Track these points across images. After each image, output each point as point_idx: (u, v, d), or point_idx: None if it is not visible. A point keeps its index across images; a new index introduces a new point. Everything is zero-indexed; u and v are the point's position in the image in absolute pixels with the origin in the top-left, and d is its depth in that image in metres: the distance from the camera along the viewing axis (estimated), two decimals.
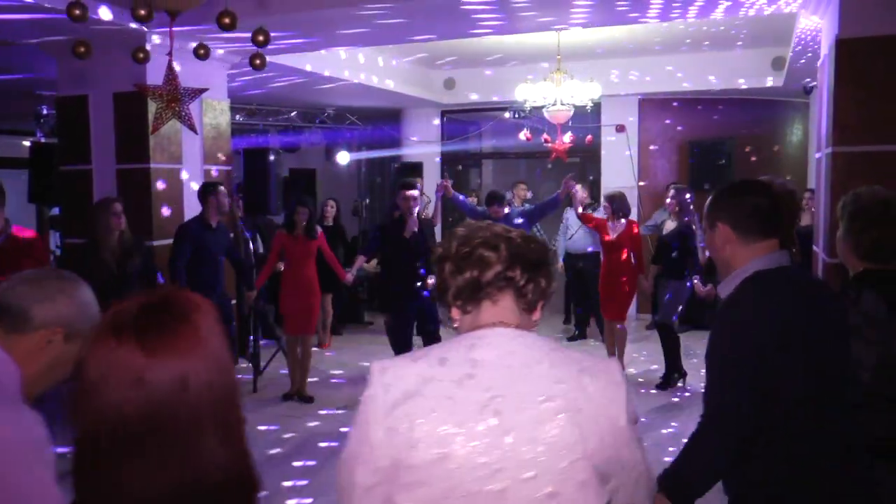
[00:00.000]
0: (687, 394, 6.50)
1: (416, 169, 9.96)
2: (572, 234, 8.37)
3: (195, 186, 6.11)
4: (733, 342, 1.97)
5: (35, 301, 1.58)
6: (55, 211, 8.79)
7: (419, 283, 6.03)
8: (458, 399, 1.32)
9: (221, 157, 6.69)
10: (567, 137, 7.68)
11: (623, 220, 6.78)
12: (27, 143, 9.32)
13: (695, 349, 7.40)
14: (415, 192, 6.10)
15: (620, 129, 9.86)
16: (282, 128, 10.77)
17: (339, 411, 6.04)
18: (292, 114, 10.44)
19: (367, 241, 6.98)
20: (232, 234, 6.88)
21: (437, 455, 1.29)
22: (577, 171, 10.56)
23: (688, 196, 6.76)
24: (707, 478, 1.98)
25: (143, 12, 3.07)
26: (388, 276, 6.11)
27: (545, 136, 7.82)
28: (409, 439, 1.30)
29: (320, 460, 5.04)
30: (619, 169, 9.81)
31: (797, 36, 6.44)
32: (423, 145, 10.83)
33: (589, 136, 8.38)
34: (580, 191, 8.53)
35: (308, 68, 7.50)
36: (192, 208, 6.03)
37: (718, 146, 8.93)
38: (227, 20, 3.31)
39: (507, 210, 6.92)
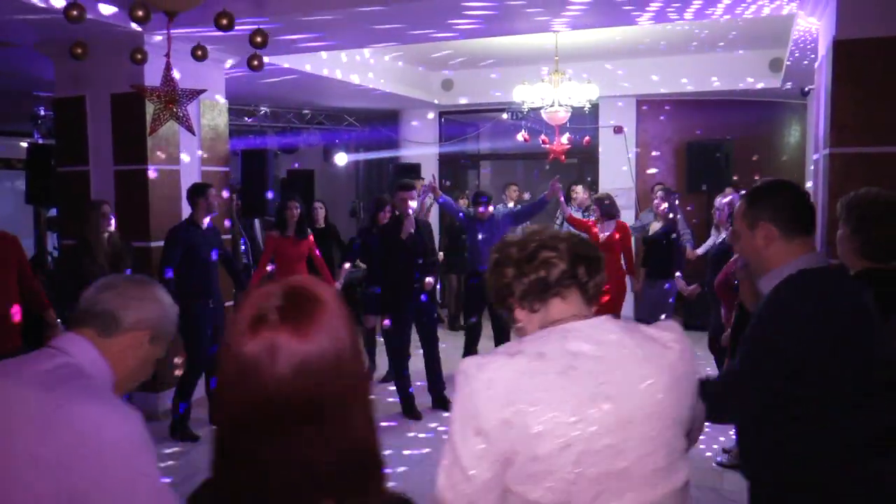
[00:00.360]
0: None
1: (413, 170, 9.95)
2: None
3: None
4: (774, 331, 2.02)
5: (123, 306, 1.65)
6: (52, 212, 8.79)
7: (416, 285, 6.02)
8: (568, 389, 1.37)
9: (219, 158, 6.68)
10: (565, 139, 7.68)
11: (612, 222, 6.79)
12: (24, 145, 9.31)
13: None
14: (412, 194, 6.10)
15: (618, 130, 9.86)
16: (280, 129, 10.77)
17: None
18: (290, 115, 10.44)
19: (350, 248, 6.90)
20: (231, 236, 6.88)
21: (561, 444, 1.34)
22: (576, 172, 10.58)
23: (674, 196, 6.84)
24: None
25: (140, 13, 3.07)
26: (384, 278, 6.08)
27: (543, 137, 7.82)
28: (527, 432, 1.33)
29: None
30: (617, 170, 9.82)
31: (795, 37, 6.45)
32: (420, 146, 10.83)
33: (587, 138, 8.38)
34: (581, 192, 8.52)
35: (306, 69, 7.50)
36: (189, 210, 6.01)
37: (716, 147, 8.94)
38: (224, 21, 3.31)
39: (492, 209, 6.94)
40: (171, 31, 3.62)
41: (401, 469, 4.72)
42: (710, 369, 5.64)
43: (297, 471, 1.02)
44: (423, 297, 6.06)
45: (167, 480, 3.40)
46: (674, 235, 6.83)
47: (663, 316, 6.59)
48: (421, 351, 6.12)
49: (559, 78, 7.26)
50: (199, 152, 6.41)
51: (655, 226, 6.84)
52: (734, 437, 2.29)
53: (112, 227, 5.18)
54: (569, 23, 5.75)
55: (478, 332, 6.81)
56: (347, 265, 6.78)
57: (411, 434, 5.58)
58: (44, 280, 6.81)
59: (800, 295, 2.03)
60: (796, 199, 2.13)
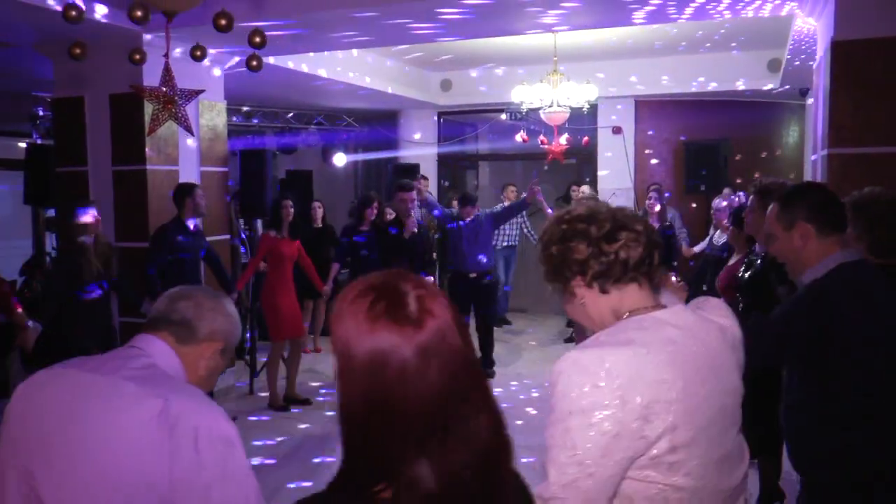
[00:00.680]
0: None
1: (412, 170, 9.96)
2: None
3: None
4: (808, 314, 2.17)
5: (199, 316, 1.68)
6: (51, 212, 8.77)
7: None
8: (685, 379, 1.36)
9: (218, 158, 6.68)
10: (563, 139, 7.68)
11: None
12: (23, 145, 9.29)
13: None
14: (412, 195, 6.11)
15: (617, 130, 9.87)
16: (278, 129, 10.76)
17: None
18: (289, 115, 10.43)
19: (339, 248, 6.86)
20: (229, 236, 6.88)
21: (694, 431, 1.35)
22: (574, 172, 10.58)
23: (665, 195, 6.90)
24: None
25: (139, 13, 3.06)
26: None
27: (542, 137, 7.82)
28: (661, 423, 1.31)
29: (321, 461, 5.05)
30: (616, 171, 9.82)
31: (793, 38, 6.46)
32: (419, 147, 10.83)
33: (585, 138, 8.40)
34: (587, 192, 8.56)
35: (304, 69, 7.50)
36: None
37: (714, 148, 8.94)
38: (223, 21, 3.31)
39: (476, 212, 6.96)
40: (170, 31, 3.62)
41: None
42: None
43: (448, 468, 1.00)
44: None
45: None
46: (668, 232, 6.80)
47: None
48: None
49: (558, 78, 7.26)
50: (198, 152, 6.40)
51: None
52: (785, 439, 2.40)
53: (100, 229, 5.17)
54: (563, 17, 5.64)
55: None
56: (337, 266, 6.76)
57: None
58: (42, 280, 6.81)
59: (842, 283, 2.16)
60: (828, 198, 2.26)
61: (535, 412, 5.93)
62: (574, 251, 1.47)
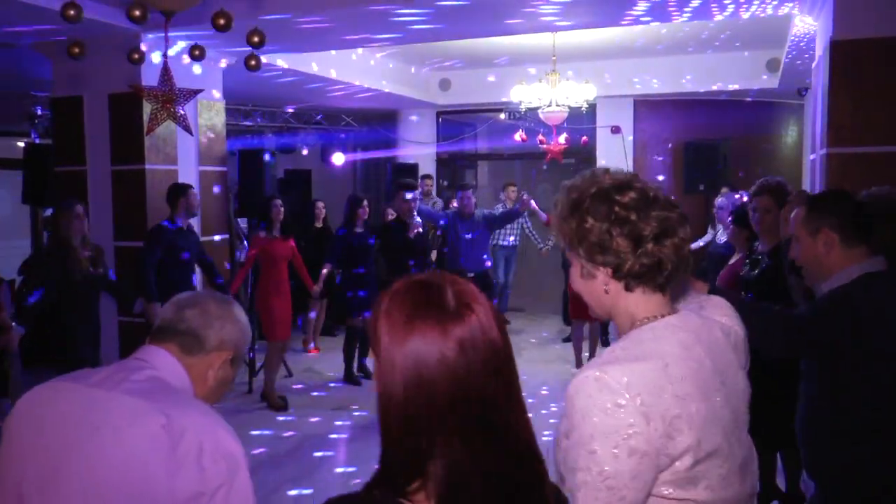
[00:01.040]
0: None
1: (411, 170, 9.95)
2: None
3: None
4: (823, 324, 2.16)
5: (206, 325, 1.61)
6: (48, 212, 8.76)
7: None
8: (702, 391, 1.32)
9: (216, 158, 6.67)
10: (562, 138, 7.69)
11: None
12: (21, 144, 9.28)
13: None
14: (416, 194, 6.12)
15: (616, 130, 9.87)
16: (277, 129, 10.76)
17: (334, 411, 6.06)
18: (288, 115, 10.43)
19: (331, 248, 6.80)
20: (228, 235, 6.87)
21: (715, 441, 1.31)
22: (573, 172, 10.56)
23: None
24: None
25: (137, 13, 3.06)
26: (390, 277, 6.09)
27: (540, 137, 7.83)
28: (684, 440, 1.27)
29: (319, 460, 5.04)
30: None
31: (792, 38, 6.46)
32: (418, 146, 10.83)
33: (584, 138, 8.40)
34: None
35: (303, 69, 7.50)
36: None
37: (713, 147, 8.94)
38: (221, 21, 3.31)
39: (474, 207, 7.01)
40: (168, 30, 3.62)
41: None
42: None
43: (479, 466, 1.00)
44: None
45: None
46: None
47: None
48: None
49: (556, 78, 7.26)
50: (197, 152, 6.40)
51: None
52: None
53: (86, 228, 5.16)
54: (561, 13, 5.61)
55: None
56: (329, 266, 6.71)
57: None
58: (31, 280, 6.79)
59: (862, 296, 2.14)
60: (857, 209, 2.24)
61: (531, 414, 5.92)
62: (615, 242, 1.35)
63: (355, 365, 6.97)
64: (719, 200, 5.91)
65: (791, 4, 5.31)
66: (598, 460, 1.23)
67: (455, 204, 7.88)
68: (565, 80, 7.30)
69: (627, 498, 1.24)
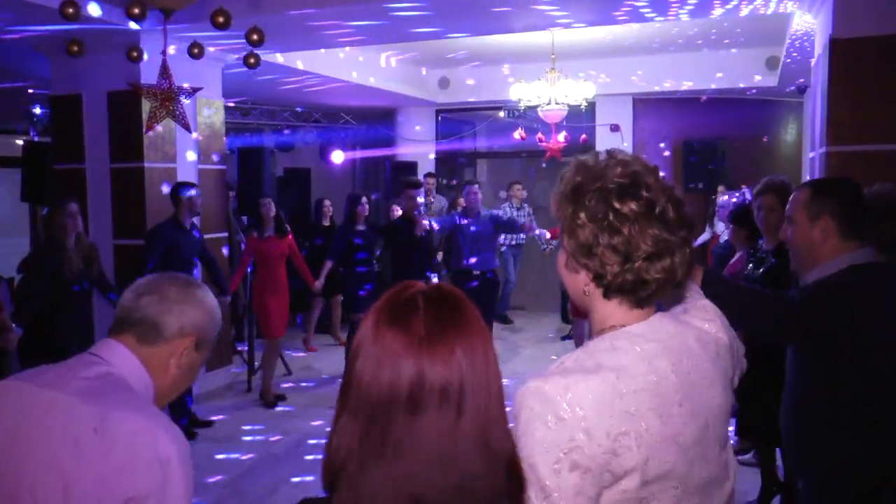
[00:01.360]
0: None
1: (411, 168, 9.95)
2: None
3: None
4: (817, 314, 2.12)
5: (165, 311, 1.53)
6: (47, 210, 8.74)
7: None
8: (660, 405, 1.24)
9: (216, 156, 6.67)
10: (561, 137, 7.69)
11: None
12: (20, 142, 9.28)
13: None
14: (420, 191, 6.12)
15: (615, 128, 9.87)
16: (276, 127, 10.76)
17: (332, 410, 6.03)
18: (287, 113, 10.43)
19: (332, 245, 6.78)
20: (227, 234, 6.87)
21: (671, 460, 1.24)
22: None
23: None
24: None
25: (136, 11, 3.06)
26: (395, 276, 6.09)
27: (539, 135, 7.83)
28: (631, 458, 1.20)
29: (318, 459, 5.04)
30: None
31: (791, 36, 6.46)
32: (417, 144, 10.83)
33: (583, 136, 8.40)
34: None
35: (302, 67, 7.49)
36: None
37: (712, 145, 8.95)
38: (220, 19, 3.31)
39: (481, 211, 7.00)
40: (168, 28, 3.62)
41: None
42: None
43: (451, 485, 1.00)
44: None
45: None
46: None
47: None
48: None
49: (556, 76, 7.26)
50: (196, 150, 6.40)
51: None
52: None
53: (80, 227, 5.15)
54: (559, 7, 5.63)
55: None
56: (330, 263, 6.70)
57: None
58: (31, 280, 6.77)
59: (852, 288, 2.11)
60: (859, 201, 2.20)
61: None
62: (601, 251, 1.26)
63: None
64: (722, 200, 5.91)
65: (791, 2, 5.31)
66: (538, 475, 1.18)
67: (462, 201, 7.89)
68: (564, 78, 7.30)
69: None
